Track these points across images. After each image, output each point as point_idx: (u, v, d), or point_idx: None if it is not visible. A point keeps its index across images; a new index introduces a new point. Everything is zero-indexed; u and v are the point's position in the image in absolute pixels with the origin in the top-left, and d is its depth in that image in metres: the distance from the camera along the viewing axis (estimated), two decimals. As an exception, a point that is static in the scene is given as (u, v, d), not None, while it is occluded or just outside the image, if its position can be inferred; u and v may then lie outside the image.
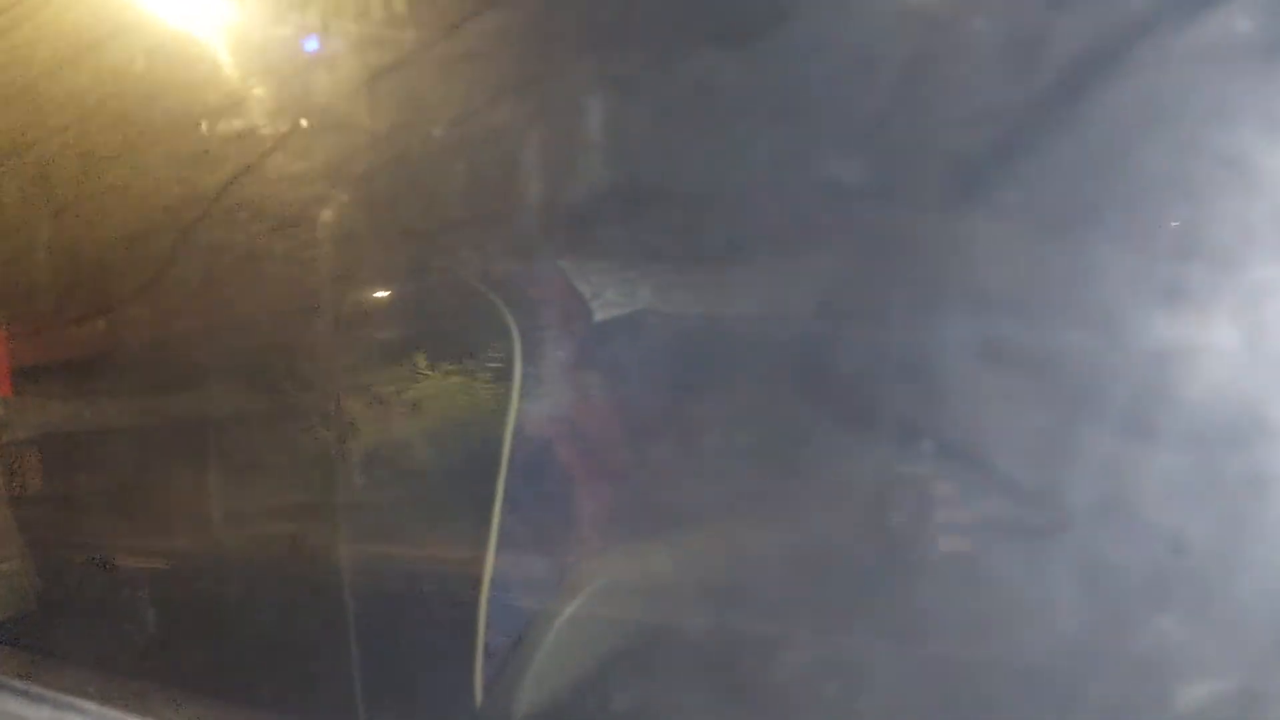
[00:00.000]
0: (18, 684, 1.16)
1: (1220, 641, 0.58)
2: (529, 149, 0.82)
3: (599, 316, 0.86)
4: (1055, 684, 0.62)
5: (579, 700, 0.88)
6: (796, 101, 0.70)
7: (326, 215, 1.01)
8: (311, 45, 0.97)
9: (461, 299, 0.98)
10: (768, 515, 0.72)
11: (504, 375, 0.93)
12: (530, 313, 0.92)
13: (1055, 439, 0.61)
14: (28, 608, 1.42)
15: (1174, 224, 0.58)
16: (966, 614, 0.64)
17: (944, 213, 0.65)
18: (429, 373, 1.03)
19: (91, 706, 1.07)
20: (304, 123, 1.00)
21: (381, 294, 1.08)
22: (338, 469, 1.09)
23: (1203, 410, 0.58)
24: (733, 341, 0.75)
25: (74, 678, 1.13)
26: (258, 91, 1.02)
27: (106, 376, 1.37)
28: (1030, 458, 0.63)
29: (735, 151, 0.73)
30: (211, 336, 1.21)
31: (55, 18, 1.25)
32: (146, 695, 1.06)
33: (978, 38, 0.63)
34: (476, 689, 0.93)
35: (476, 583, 0.94)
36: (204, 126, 1.07)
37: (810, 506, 0.69)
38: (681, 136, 0.75)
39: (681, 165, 0.75)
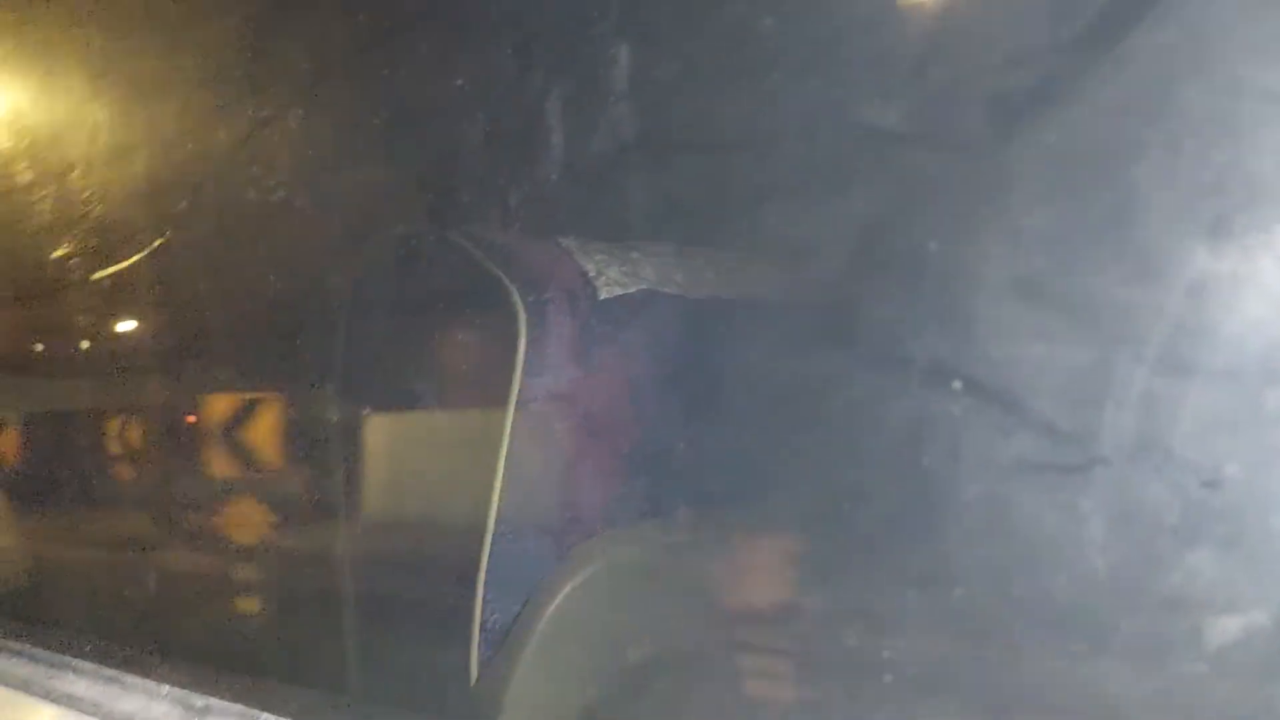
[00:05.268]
0: (13, 645, 1.14)
1: (1253, 577, 0.58)
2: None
3: (623, 275, 0.86)
4: (1087, 623, 0.61)
5: (579, 673, 0.87)
6: (831, 46, 0.70)
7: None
8: None
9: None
10: (797, 461, 0.72)
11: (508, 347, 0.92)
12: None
13: (1090, 376, 0.61)
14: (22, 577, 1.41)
15: (1214, 160, 0.58)
16: (997, 555, 0.64)
17: (980, 155, 0.66)
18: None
19: (86, 666, 1.05)
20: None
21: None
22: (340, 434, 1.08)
23: (1237, 345, 0.58)
24: (764, 285, 0.75)
25: (69, 640, 1.11)
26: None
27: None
28: (1064, 396, 0.63)
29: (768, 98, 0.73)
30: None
31: None
32: (141, 656, 1.04)
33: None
34: (472, 662, 0.91)
35: (475, 557, 0.93)
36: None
37: (841, 451, 0.69)
38: (714, 84, 0.75)
39: (713, 112, 0.75)
